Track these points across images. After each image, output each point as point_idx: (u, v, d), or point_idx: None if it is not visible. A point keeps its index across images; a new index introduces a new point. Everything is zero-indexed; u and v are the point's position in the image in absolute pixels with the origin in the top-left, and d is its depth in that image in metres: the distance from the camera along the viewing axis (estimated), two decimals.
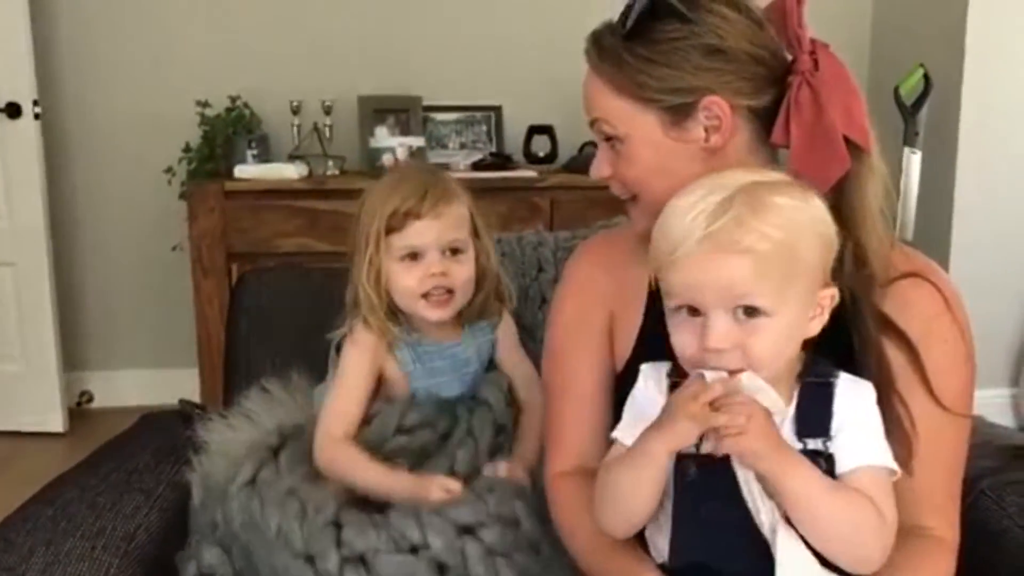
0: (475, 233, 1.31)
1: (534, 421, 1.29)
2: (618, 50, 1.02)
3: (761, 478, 0.86)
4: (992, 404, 3.04)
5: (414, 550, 1.06)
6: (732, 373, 0.86)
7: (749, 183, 0.89)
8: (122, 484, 1.21)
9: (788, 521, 0.86)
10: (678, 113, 1.01)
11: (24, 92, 3.01)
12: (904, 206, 3.01)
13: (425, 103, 3.31)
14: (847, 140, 0.98)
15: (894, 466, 0.90)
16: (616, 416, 1.01)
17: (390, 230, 1.24)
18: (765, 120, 1.02)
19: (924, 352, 1.00)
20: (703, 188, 0.90)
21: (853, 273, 0.98)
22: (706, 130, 1.01)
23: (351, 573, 1.04)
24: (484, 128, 3.40)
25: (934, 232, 3.10)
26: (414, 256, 1.25)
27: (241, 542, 1.15)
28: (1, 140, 3.04)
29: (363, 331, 1.28)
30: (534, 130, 3.33)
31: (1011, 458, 1.22)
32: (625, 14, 1.02)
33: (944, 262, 3.08)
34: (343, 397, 1.27)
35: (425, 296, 1.26)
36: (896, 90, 3.03)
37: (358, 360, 1.28)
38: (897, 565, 0.92)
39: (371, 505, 1.16)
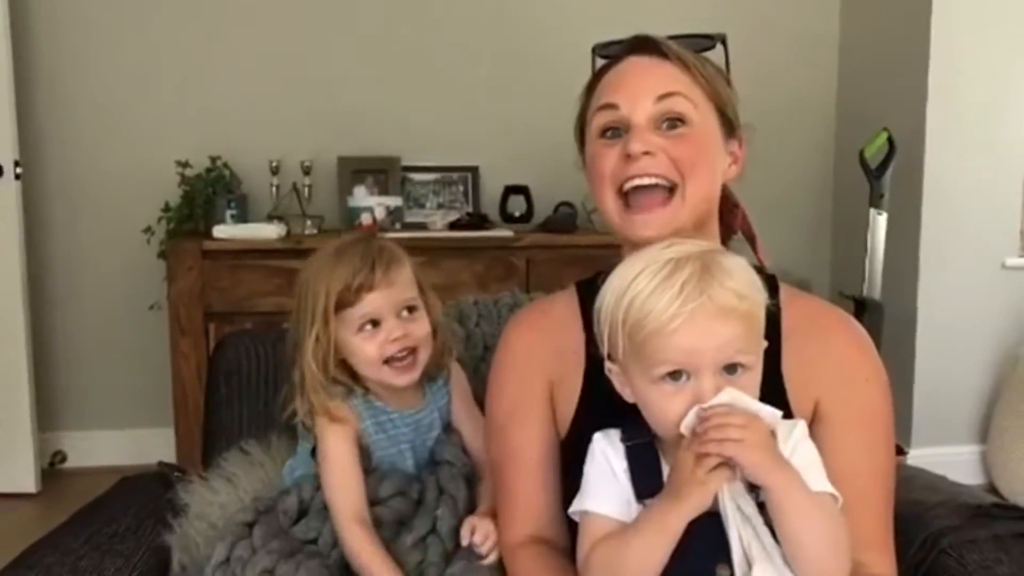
0: (421, 290, 1.32)
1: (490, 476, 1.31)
2: (703, 57, 1.14)
3: (762, 495, 0.90)
4: (961, 461, 3.09)
5: None
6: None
7: (706, 250, 0.97)
8: (103, 547, 1.21)
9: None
10: (728, 127, 1.13)
11: (6, 153, 3.03)
12: (871, 266, 3.09)
13: (403, 163, 3.38)
14: None
15: (836, 493, 0.95)
16: (568, 483, 1.04)
17: (342, 305, 1.24)
18: None
19: (845, 390, 1.09)
20: (662, 260, 0.95)
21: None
22: (732, 157, 1.14)
23: None
24: (461, 188, 3.46)
25: (901, 291, 3.17)
26: (374, 323, 1.25)
27: None
28: None
29: (332, 425, 1.27)
30: (510, 190, 3.39)
31: (971, 516, 1.25)
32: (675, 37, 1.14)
33: (911, 321, 3.16)
34: (342, 481, 1.25)
35: (388, 362, 1.26)
36: (861, 154, 3.13)
37: (340, 445, 1.27)
38: None
39: None
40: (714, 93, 1.12)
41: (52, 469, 3.35)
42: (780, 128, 3.41)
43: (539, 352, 1.18)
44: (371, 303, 1.25)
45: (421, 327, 1.28)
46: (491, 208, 3.40)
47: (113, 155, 3.31)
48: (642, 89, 1.09)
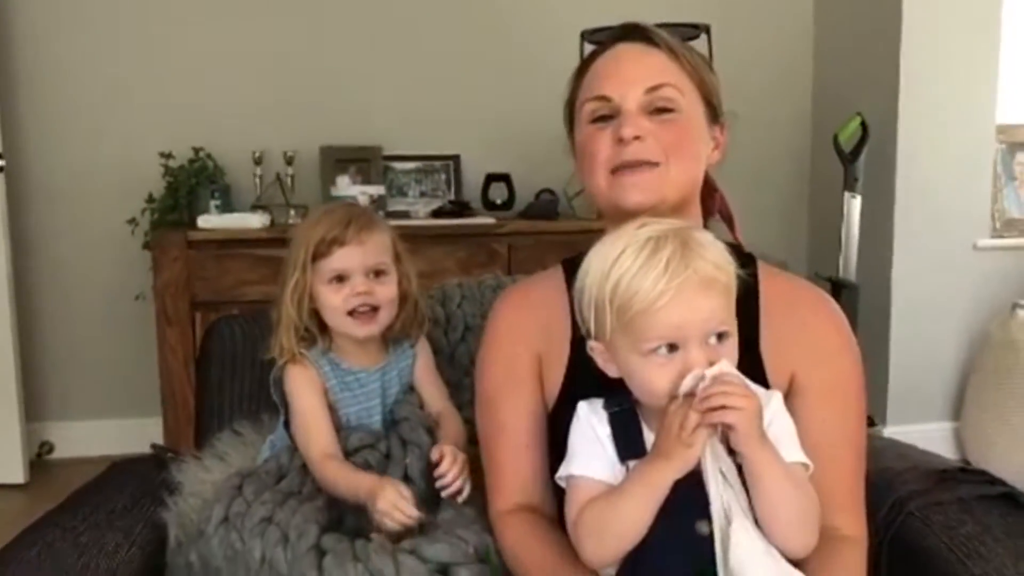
0: (397, 259, 1.41)
1: (450, 424, 1.40)
2: (689, 46, 1.19)
3: (741, 463, 0.96)
4: (935, 437, 3.17)
5: None
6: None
7: (679, 227, 1.02)
8: (102, 524, 1.25)
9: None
10: (712, 114, 1.20)
11: None
12: (846, 248, 3.15)
13: (385, 153, 3.41)
14: None
15: (808, 461, 1.01)
16: (555, 455, 1.08)
17: (317, 256, 1.35)
18: None
19: (819, 364, 1.14)
20: (641, 239, 1.00)
21: None
22: (715, 142, 1.20)
23: None
24: (443, 176, 3.49)
25: (875, 273, 3.24)
26: (341, 279, 1.35)
27: None
28: None
29: (295, 368, 1.37)
30: (491, 178, 3.43)
31: (938, 481, 1.31)
32: (663, 25, 1.19)
33: (885, 301, 3.22)
34: (309, 421, 1.35)
35: (351, 314, 1.36)
36: (835, 138, 3.19)
37: (303, 387, 1.37)
38: (812, 563, 1.01)
39: (353, 527, 1.23)
40: (700, 81, 1.17)
41: (40, 460, 3.37)
42: (757, 115, 3.45)
43: (526, 327, 1.22)
44: (341, 258, 1.35)
45: (386, 290, 1.38)
46: (473, 196, 3.43)
47: (96, 147, 3.32)
48: (633, 79, 1.14)
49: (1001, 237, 3.31)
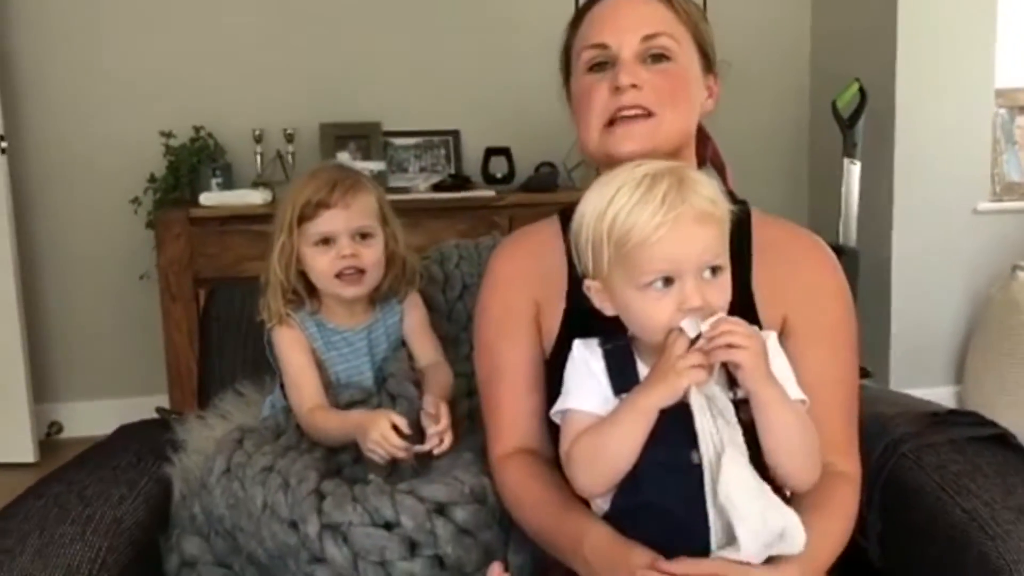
0: (383, 220, 1.42)
1: (439, 375, 1.42)
2: None
3: (749, 399, 0.98)
4: (938, 401, 3.17)
5: (388, 526, 1.14)
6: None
7: (675, 166, 1.04)
8: (108, 479, 1.28)
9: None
10: (707, 63, 1.21)
11: None
12: (846, 214, 3.16)
13: (385, 128, 3.42)
14: None
15: (805, 398, 1.04)
16: (552, 400, 1.10)
17: (303, 219, 1.36)
18: None
19: (811, 306, 1.16)
20: (638, 176, 1.01)
21: None
22: (709, 91, 1.21)
23: (329, 541, 1.12)
24: (443, 152, 3.50)
25: (875, 238, 3.24)
26: (327, 241, 1.36)
27: (226, 527, 1.23)
28: None
29: (282, 329, 1.40)
30: (491, 152, 3.44)
31: (929, 424, 1.33)
32: None
33: (886, 266, 3.23)
34: (296, 378, 1.37)
35: (338, 276, 1.37)
36: (833, 104, 3.19)
37: (290, 347, 1.39)
38: (806, 498, 1.04)
39: (350, 477, 1.25)
40: (695, 29, 1.19)
41: (49, 439, 3.40)
42: (756, 82, 3.46)
43: (524, 274, 1.24)
44: (326, 221, 1.36)
45: (372, 252, 1.39)
46: (473, 170, 3.44)
47: (98, 128, 3.34)
48: (629, 27, 1.16)
49: (1000, 201, 3.31)
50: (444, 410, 1.29)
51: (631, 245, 0.98)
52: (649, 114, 1.14)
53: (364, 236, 1.38)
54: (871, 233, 3.22)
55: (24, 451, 3.21)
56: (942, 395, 3.28)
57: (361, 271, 1.38)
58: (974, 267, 3.29)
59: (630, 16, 1.17)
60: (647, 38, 1.15)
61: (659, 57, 1.15)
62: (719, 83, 1.24)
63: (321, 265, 1.37)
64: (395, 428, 1.23)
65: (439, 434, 1.26)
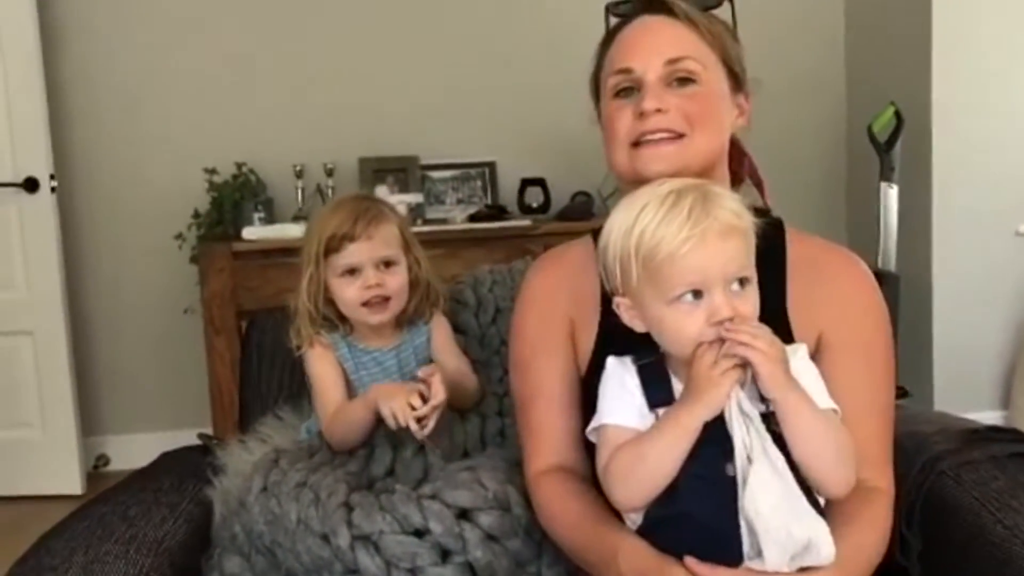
0: (406, 247, 1.47)
1: (461, 374, 1.46)
2: (703, 14, 1.21)
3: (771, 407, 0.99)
4: None
5: (418, 533, 1.15)
6: None
7: (698, 182, 1.06)
8: (150, 501, 1.30)
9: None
10: (736, 82, 1.21)
11: (41, 167, 3.17)
12: (885, 238, 3.13)
13: (422, 162, 3.47)
14: None
15: (836, 407, 1.04)
16: (588, 419, 1.10)
17: (329, 251, 1.41)
18: None
19: (846, 321, 1.16)
20: (663, 193, 1.03)
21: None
22: (739, 109, 1.22)
23: (362, 551, 1.14)
24: (479, 183, 3.54)
25: (915, 262, 3.21)
26: (352, 271, 1.42)
27: (265, 543, 1.25)
28: (20, 213, 3.20)
29: (312, 351, 1.45)
30: (527, 183, 3.47)
31: (968, 440, 1.31)
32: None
33: (927, 290, 3.20)
34: (325, 393, 1.43)
35: (365, 304, 1.42)
36: (870, 128, 3.18)
37: (321, 365, 1.45)
38: (838, 512, 1.03)
39: (376, 486, 1.28)
40: (722, 50, 1.20)
41: (96, 472, 3.46)
42: (791, 107, 3.46)
43: (559, 293, 1.26)
44: (351, 254, 1.41)
45: (396, 280, 1.44)
46: (509, 201, 3.48)
47: (143, 166, 3.43)
48: (654, 51, 1.17)
49: None
50: (439, 388, 1.32)
51: (659, 260, 1.00)
52: (678, 136, 1.15)
53: (388, 264, 1.43)
54: (911, 257, 3.19)
55: (72, 483, 3.27)
56: (989, 420, 3.16)
57: (386, 298, 1.42)
58: (1017, 290, 3.24)
59: (655, 40, 1.18)
60: (671, 62, 1.16)
61: (685, 81, 1.16)
62: (750, 101, 1.24)
63: (348, 295, 1.42)
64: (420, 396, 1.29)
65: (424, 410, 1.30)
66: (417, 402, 1.28)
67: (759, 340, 0.97)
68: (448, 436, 1.42)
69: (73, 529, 1.20)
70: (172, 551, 1.20)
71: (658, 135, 1.15)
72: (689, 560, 0.97)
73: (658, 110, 1.14)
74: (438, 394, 1.31)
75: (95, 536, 1.17)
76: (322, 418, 1.42)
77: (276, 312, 1.74)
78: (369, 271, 1.41)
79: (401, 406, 1.28)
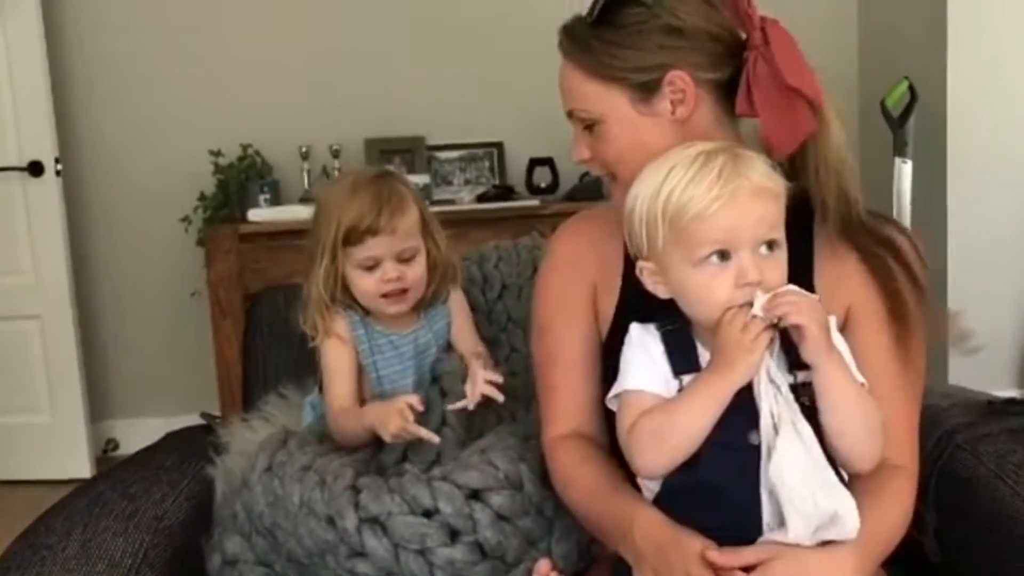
0: (425, 230, 1.41)
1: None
2: (587, 37, 1.14)
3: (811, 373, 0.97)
4: None
5: (427, 514, 1.13)
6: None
7: (727, 144, 1.03)
8: (151, 478, 1.29)
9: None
10: (645, 90, 1.12)
11: (46, 151, 3.15)
12: (898, 213, 3.09)
13: (429, 143, 3.44)
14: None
15: (864, 381, 1.01)
16: (607, 386, 1.08)
17: (348, 243, 1.34)
18: (727, 93, 1.13)
19: (885, 292, 1.11)
20: (692, 154, 1.01)
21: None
22: (672, 103, 1.12)
23: (368, 533, 1.12)
24: (487, 163, 3.51)
25: (930, 239, 3.13)
26: (373, 263, 1.35)
27: (265, 524, 1.23)
28: (25, 197, 3.19)
29: (329, 340, 1.39)
30: (535, 162, 3.44)
31: (984, 413, 1.28)
32: (592, 3, 1.14)
33: (941, 268, 3.15)
34: (335, 380, 1.38)
35: (384, 296, 1.37)
36: (883, 103, 3.13)
37: (336, 358, 1.39)
38: (862, 489, 1.00)
39: (387, 471, 1.25)
40: (611, 73, 1.12)
41: (105, 456, 3.46)
42: None
43: (583, 257, 1.24)
44: (373, 247, 1.34)
45: (416, 271, 1.38)
46: (517, 181, 3.44)
47: (148, 149, 3.41)
48: (564, 99, 1.17)
49: None
50: (487, 372, 1.29)
51: (687, 219, 0.97)
52: (612, 176, 1.16)
53: (408, 256, 1.37)
54: (925, 234, 3.12)
55: (81, 468, 3.27)
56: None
57: (405, 290, 1.37)
58: None
59: (562, 88, 1.17)
60: (570, 113, 1.17)
61: (591, 127, 1.15)
62: (685, 80, 1.11)
63: (366, 286, 1.37)
64: (411, 409, 1.23)
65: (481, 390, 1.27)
66: (409, 416, 1.22)
67: (802, 306, 0.95)
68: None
69: (73, 506, 1.19)
70: (172, 529, 1.18)
71: (606, 177, 1.17)
72: (711, 553, 0.95)
73: (582, 160, 1.17)
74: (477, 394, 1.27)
75: (93, 513, 1.16)
76: (327, 410, 1.38)
77: (280, 291, 1.73)
78: (389, 264, 1.35)
79: (399, 426, 1.22)
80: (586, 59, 1.13)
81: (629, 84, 1.12)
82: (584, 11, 1.16)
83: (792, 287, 0.98)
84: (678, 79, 1.10)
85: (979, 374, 3.15)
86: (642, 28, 1.11)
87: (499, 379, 1.28)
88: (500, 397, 1.26)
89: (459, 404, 1.28)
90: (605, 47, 1.12)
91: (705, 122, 1.13)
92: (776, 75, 1.08)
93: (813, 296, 0.98)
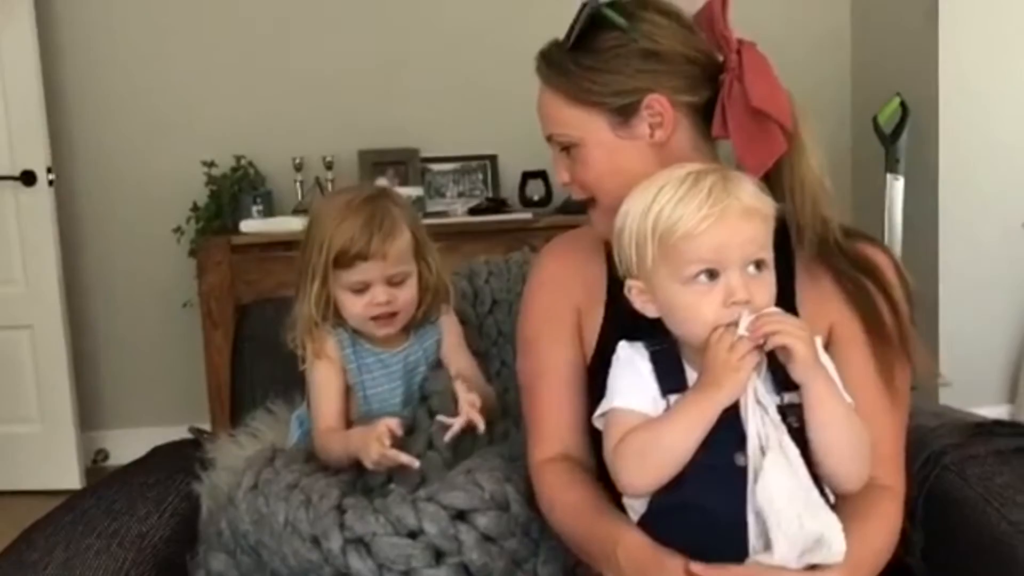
0: (418, 251, 1.39)
1: (483, 393, 1.37)
2: (565, 62, 1.14)
3: (797, 391, 0.98)
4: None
5: (412, 535, 1.13)
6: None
7: (716, 166, 1.04)
8: (135, 495, 1.28)
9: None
10: (623, 113, 1.12)
11: (39, 160, 3.15)
12: (890, 230, 3.10)
13: (422, 155, 3.44)
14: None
15: (850, 399, 1.01)
16: (593, 407, 1.08)
17: (338, 265, 1.33)
18: (704, 116, 1.13)
19: (867, 312, 1.11)
20: (681, 174, 1.01)
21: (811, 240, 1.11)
22: (650, 127, 1.12)
23: (353, 554, 1.11)
24: (480, 176, 3.51)
25: (921, 255, 3.17)
26: (363, 286, 1.34)
27: (250, 543, 1.22)
28: (17, 206, 3.18)
29: (319, 361, 1.38)
30: (528, 175, 3.44)
31: (971, 435, 1.28)
32: (570, 29, 1.14)
33: (933, 283, 3.16)
34: (321, 400, 1.37)
35: (373, 318, 1.36)
36: (875, 120, 3.14)
37: (324, 378, 1.38)
38: (848, 509, 1.00)
39: (374, 492, 1.24)
40: (589, 98, 1.12)
41: (96, 466, 3.44)
42: (796, 97, 3.42)
43: (568, 278, 1.24)
44: (363, 272, 1.33)
45: (406, 294, 1.37)
46: (510, 194, 3.44)
47: (141, 159, 3.40)
48: (543, 123, 1.18)
49: None
50: (472, 396, 1.28)
51: (676, 237, 0.98)
52: (592, 200, 1.16)
53: (399, 280, 1.36)
54: (917, 250, 3.15)
55: (71, 478, 3.25)
56: (995, 414, 3.15)
57: (394, 313, 1.36)
58: None
59: (540, 113, 1.18)
60: (549, 137, 1.17)
61: (566, 148, 1.15)
62: (661, 102, 1.11)
63: (355, 308, 1.36)
64: (392, 433, 1.22)
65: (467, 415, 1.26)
66: (387, 442, 1.21)
67: (788, 326, 0.96)
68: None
69: (56, 523, 1.18)
70: (156, 546, 1.18)
71: (587, 202, 1.17)
72: (695, 566, 0.95)
73: (566, 184, 1.17)
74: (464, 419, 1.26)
75: (77, 530, 1.15)
76: (315, 429, 1.37)
77: (269, 304, 1.72)
78: (379, 288, 1.34)
79: (378, 453, 1.21)
80: (564, 84, 1.13)
81: (607, 109, 1.12)
82: (562, 35, 1.16)
83: (776, 309, 0.99)
84: (656, 103, 1.11)
85: (970, 388, 3.16)
86: (619, 52, 1.12)
87: (478, 403, 1.27)
88: (482, 427, 1.25)
89: (448, 434, 1.26)
90: (583, 72, 1.12)
91: (683, 145, 1.13)
92: (745, 97, 1.08)
93: (792, 317, 0.99)
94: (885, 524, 1.08)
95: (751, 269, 0.98)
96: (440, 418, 1.27)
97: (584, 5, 1.14)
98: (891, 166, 3.12)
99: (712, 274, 0.98)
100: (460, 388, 1.29)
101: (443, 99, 3.48)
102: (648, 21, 1.12)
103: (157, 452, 1.58)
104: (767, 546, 0.94)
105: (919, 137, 3.13)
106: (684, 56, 1.12)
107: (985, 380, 3.22)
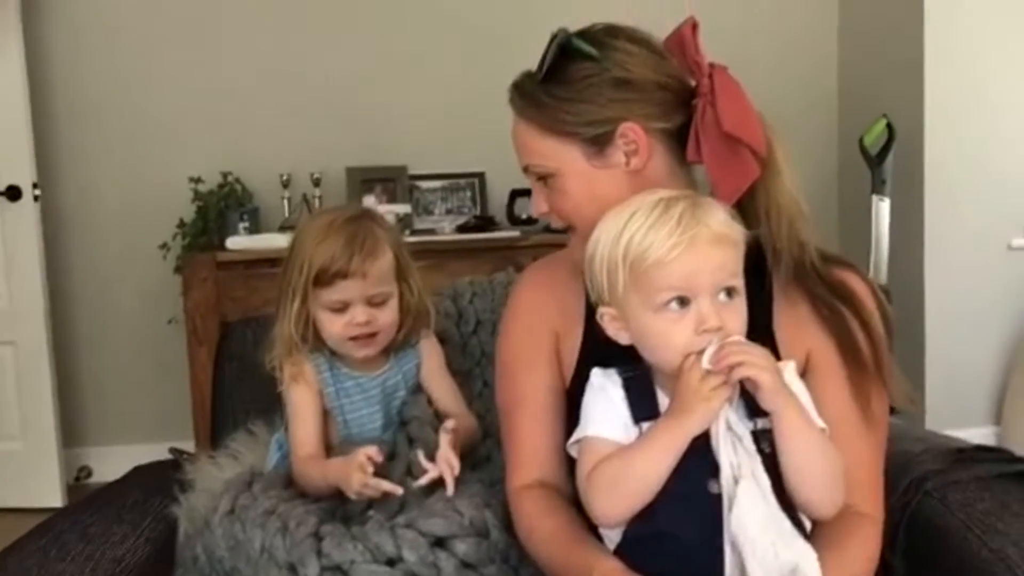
0: (399, 273, 1.38)
1: (461, 423, 1.36)
2: (537, 94, 1.14)
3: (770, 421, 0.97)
4: (976, 442, 3.08)
5: (391, 562, 1.11)
6: None
7: (687, 193, 1.04)
8: (112, 517, 1.27)
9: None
10: (598, 143, 1.12)
11: (24, 175, 3.13)
12: (876, 251, 3.11)
13: (411, 172, 3.43)
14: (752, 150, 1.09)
15: (824, 426, 1.01)
16: (571, 433, 1.08)
17: (318, 283, 1.32)
18: (679, 141, 1.13)
19: (844, 337, 1.11)
20: (653, 201, 1.01)
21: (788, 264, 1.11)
22: (626, 155, 1.12)
23: None
24: (468, 194, 3.51)
25: (907, 276, 3.18)
26: (342, 306, 1.33)
27: (226, 569, 1.20)
28: (2, 222, 3.16)
29: (295, 385, 1.37)
30: (516, 193, 3.43)
31: (953, 461, 1.28)
32: (541, 60, 1.14)
33: (919, 305, 3.17)
34: (298, 425, 1.36)
35: (352, 339, 1.34)
36: (861, 141, 3.15)
37: (301, 402, 1.37)
38: (825, 537, 1.00)
39: (352, 519, 1.22)
40: (563, 128, 1.12)
41: (78, 484, 3.41)
42: (783, 120, 3.42)
43: (545, 304, 1.24)
44: (342, 290, 1.32)
45: (386, 315, 1.36)
46: (498, 211, 3.44)
47: (128, 175, 3.40)
48: (519, 155, 1.19)
49: None
50: (452, 455, 1.25)
51: (647, 265, 0.98)
52: (572, 228, 1.16)
53: (380, 300, 1.35)
54: (903, 271, 3.16)
55: (53, 496, 3.22)
56: (981, 436, 3.18)
57: (374, 334, 1.35)
58: (1010, 305, 3.21)
59: (516, 145, 1.18)
60: (525, 168, 1.18)
61: (542, 178, 1.15)
62: (637, 130, 1.11)
63: (334, 328, 1.34)
64: (371, 461, 1.21)
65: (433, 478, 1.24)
66: (368, 470, 1.20)
67: (752, 356, 0.95)
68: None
69: (29, 547, 1.16)
70: (132, 570, 1.16)
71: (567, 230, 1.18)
72: None
73: (543, 213, 1.18)
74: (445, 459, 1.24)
75: (50, 555, 1.13)
76: (293, 455, 1.35)
77: (251, 323, 1.71)
78: (359, 308, 1.32)
79: (360, 482, 1.20)
80: (538, 116, 1.13)
81: (582, 139, 1.12)
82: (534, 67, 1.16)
83: (738, 338, 0.98)
84: (630, 131, 1.11)
85: (955, 410, 3.18)
86: (592, 82, 1.12)
87: (456, 466, 1.24)
88: (451, 490, 1.22)
89: (419, 481, 1.24)
90: (556, 103, 1.12)
91: (659, 171, 1.13)
92: (718, 122, 1.08)
93: (755, 346, 0.97)
94: (863, 551, 1.07)
95: (722, 296, 0.98)
96: (420, 457, 1.25)
97: (554, 36, 1.14)
98: (877, 188, 3.13)
99: (683, 301, 0.98)
100: (443, 440, 1.26)
101: (431, 117, 3.48)
102: (619, 49, 1.12)
103: (136, 473, 1.57)
104: (743, 575, 0.93)
105: (905, 159, 3.14)
106: (656, 83, 1.12)
107: (971, 401, 3.23)
